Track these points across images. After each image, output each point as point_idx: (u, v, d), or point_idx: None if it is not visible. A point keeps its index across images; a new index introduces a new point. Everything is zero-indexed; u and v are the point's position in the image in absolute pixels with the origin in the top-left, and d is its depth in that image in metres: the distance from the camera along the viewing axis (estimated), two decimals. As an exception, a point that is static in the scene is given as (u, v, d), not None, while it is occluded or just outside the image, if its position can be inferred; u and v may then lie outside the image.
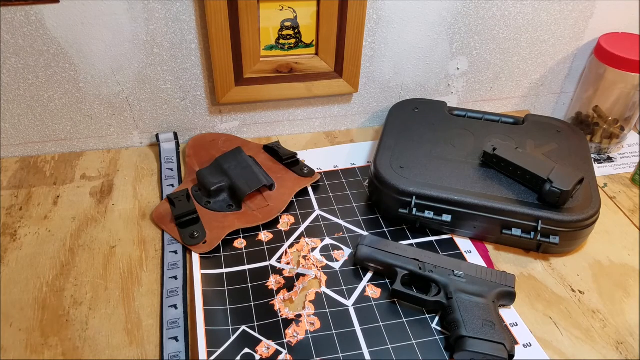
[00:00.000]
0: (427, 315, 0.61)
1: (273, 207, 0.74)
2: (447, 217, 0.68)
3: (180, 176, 0.80)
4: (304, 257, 0.68)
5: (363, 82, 0.88)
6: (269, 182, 0.76)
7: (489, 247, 0.71)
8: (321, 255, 0.68)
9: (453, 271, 0.62)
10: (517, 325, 0.61)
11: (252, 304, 0.62)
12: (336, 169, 0.83)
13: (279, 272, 0.66)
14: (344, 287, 0.64)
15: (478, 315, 0.58)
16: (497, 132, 0.80)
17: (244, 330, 0.58)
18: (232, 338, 0.57)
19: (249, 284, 0.64)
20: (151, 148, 0.87)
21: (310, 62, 0.81)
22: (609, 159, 0.89)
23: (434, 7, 0.82)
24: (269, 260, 0.67)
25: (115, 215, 0.73)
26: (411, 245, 0.70)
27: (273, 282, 0.64)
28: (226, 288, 0.63)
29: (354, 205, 0.76)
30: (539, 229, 0.66)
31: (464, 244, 0.71)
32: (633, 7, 0.89)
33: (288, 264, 0.67)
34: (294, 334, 0.58)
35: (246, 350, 0.56)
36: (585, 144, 0.79)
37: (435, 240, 0.71)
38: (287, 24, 0.78)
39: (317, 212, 0.75)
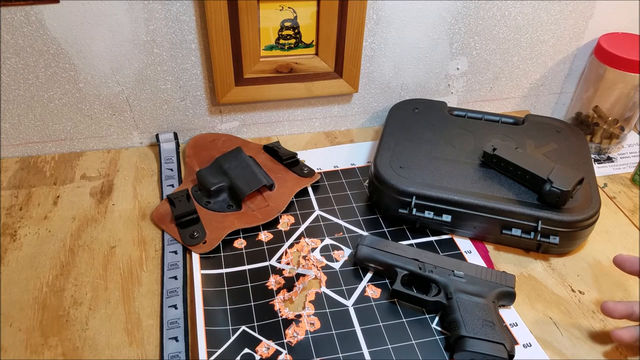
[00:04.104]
0: (427, 315, 0.61)
1: (273, 207, 0.74)
2: (447, 217, 0.68)
3: (180, 176, 0.80)
4: (304, 257, 0.68)
5: (363, 82, 0.88)
6: (269, 182, 0.76)
7: (489, 247, 0.71)
8: (321, 255, 0.68)
9: (453, 271, 0.62)
10: (517, 325, 0.61)
11: (252, 304, 0.62)
12: (336, 169, 0.83)
13: (279, 272, 0.66)
14: (344, 287, 0.64)
15: (478, 315, 0.58)
16: (497, 132, 0.80)
17: (244, 330, 0.58)
18: (232, 338, 0.58)
19: (249, 284, 0.64)
20: (151, 148, 0.87)
21: (310, 62, 0.81)
22: (609, 159, 0.89)
23: (434, 7, 0.82)
24: (269, 261, 0.67)
25: (115, 216, 0.73)
26: (411, 245, 0.70)
27: (273, 282, 0.64)
28: (226, 288, 0.63)
29: (354, 205, 0.76)
30: (539, 229, 0.66)
31: (464, 244, 0.71)
32: (633, 7, 0.89)
33: (288, 264, 0.67)
34: (294, 334, 0.58)
35: (246, 350, 0.56)
36: (585, 144, 0.79)
37: (435, 241, 0.71)
38: (287, 24, 0.78)
39: (317, 212, 0.75)
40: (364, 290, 0.64)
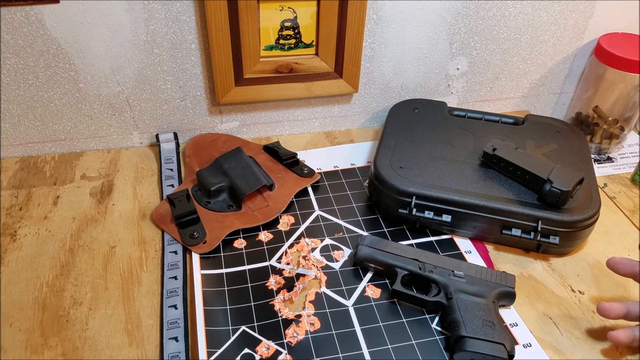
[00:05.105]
0: (427, 316, 0.61)
1: (273, 207, 0.74)
2: (447, 217, 0.68)
3: (180, 176, 0.80)
4: (304, 257, 0.68)
5: (363, 82, 0.88)
6: (269, 182, 0.76)
7: (489, 247, 0.71)
8: (321, 255, 0.68)
9: (453, 271, 0.62)
10: (517, 325, 0.61)
11: (252, 304, 0.62)
12: (336, 169, 0.83)
13: (279, 272, 0.66)
14: (343, 287, 0.64)
15: (478, 316, 0.58)
16: (497, 132, 0.80)
17: (243, 330, 0.58)
18: (232, 338, 0.58)
19: (249, 284, 0.64)
20: (151, 148, 0.87)
21: (310, 62, 0.81)
22: (609, 159, 0.89)
23: (434, 7, 0.82)
24: (269, 261, 0.67)
25: (115, 216, 0.73)
26: (411, 245, 0.70)
27: (273, 282, 0.64)
28: (226, 288, 0.63)
29: (354, 205, 0.76)
30: (539, 229, 0.66)
31: (464, 244, 0.71)
32: (633, 7, 0.89)
33: (288, 264, 0.67)
34: (294, 334, 0.58)
35: (246, 350, 0.56)
36: (585, 144, 0.79)
37: (435, 241, 0.71)
38: (287, 24, 0.78)
39: (317, 212, 0.75)
40: (364, 290, 0.64)
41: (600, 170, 0.86)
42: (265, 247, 0.69)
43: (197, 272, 0.65)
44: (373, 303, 0.63)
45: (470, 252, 0.69)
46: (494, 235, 0.69)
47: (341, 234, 0.72)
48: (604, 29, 0.90)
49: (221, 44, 0.76)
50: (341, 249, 0.69)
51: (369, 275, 0.66)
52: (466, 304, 0.59)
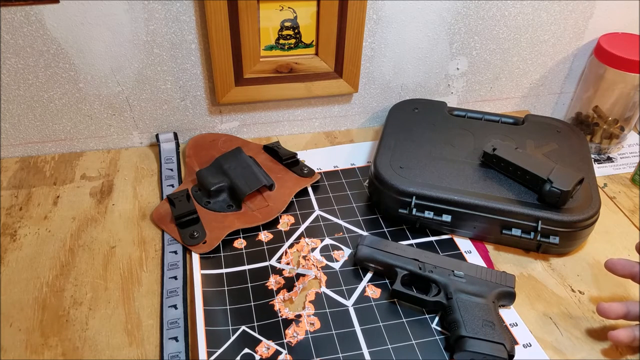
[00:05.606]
0: (427, 316, 0.61)
1: (273, 207, 0.74)
2: (447, 217, 0.68)
3: (180, 176, 0.80)
4: (304, 257, 0.68)
5: (363, 82, 0.88)
6: (268, 182, 0.76)
7: (489, 247, 0.71)
8: (321, 255, 0.68)
9: (453, 271, 0.62)
10: (517, 325, 0.61)
11: (252, 304, 0.62)
12: (336, 169, 0.83)
13: (279, 272, 0.66)
14: (343, 287, 0.64)
15: (478, 316, 0.58)
16: (497, 132, 0.80)
17: (243, 330, 0.58)
18: (232, 338, 0.58)
19: (249, 284, 0.64)
20: (151, 148, 0.87)
21: (310, 62, 0.81)
22: (609, 159, 0.89)
23: (434, 7, 0.82)
24: (269, 261, 0.67)
25: (115, 216, 0.73)
26: (411, 245, 0.70)
27: (273, 282, 0.64)
28: (226, 288, 0.63)
29: (354, 205, 0.76)
30: (539, 229, 0.66)
31: (464, 244, 0.71)
32: (633, 7, 0.89)
33: (288, 264, 0.67)
34: (293, 334, 0.58)
35: (246, 350, 0.56)
36: (585, 144, 0.79)
37: (435, 241, 0.71)
38: (287, 24, 0.78)
39: (317, 212, 0.75)
40: (364, 290, 0.64)
41: (600, 170, 0.86)
42: (265, 247, 0.69)
43: (197, 272, 0.65)
44: (373, 303, 0.63)
45: (470, 252, 0.69)
46: (494, 235, 0.69)
47: (341, 234, 0.72)
48: (604, 29, 0.90)
49: (221, 44, 0.76)
50: (341, 249, 0.69)
51: (369, 275, 0.66)
52: (466, 304, 0.59)
